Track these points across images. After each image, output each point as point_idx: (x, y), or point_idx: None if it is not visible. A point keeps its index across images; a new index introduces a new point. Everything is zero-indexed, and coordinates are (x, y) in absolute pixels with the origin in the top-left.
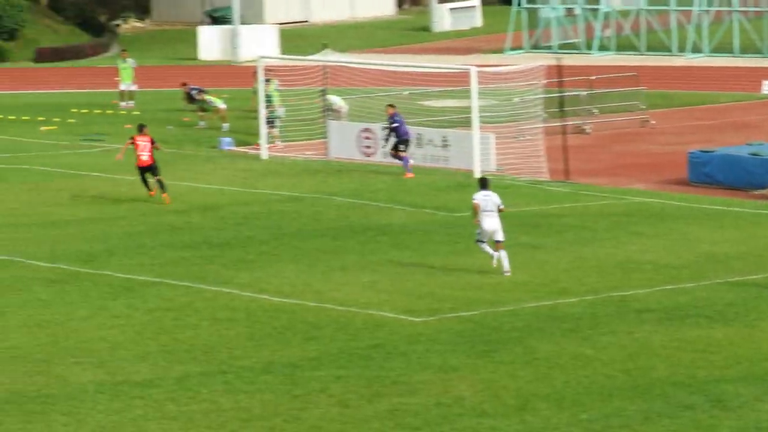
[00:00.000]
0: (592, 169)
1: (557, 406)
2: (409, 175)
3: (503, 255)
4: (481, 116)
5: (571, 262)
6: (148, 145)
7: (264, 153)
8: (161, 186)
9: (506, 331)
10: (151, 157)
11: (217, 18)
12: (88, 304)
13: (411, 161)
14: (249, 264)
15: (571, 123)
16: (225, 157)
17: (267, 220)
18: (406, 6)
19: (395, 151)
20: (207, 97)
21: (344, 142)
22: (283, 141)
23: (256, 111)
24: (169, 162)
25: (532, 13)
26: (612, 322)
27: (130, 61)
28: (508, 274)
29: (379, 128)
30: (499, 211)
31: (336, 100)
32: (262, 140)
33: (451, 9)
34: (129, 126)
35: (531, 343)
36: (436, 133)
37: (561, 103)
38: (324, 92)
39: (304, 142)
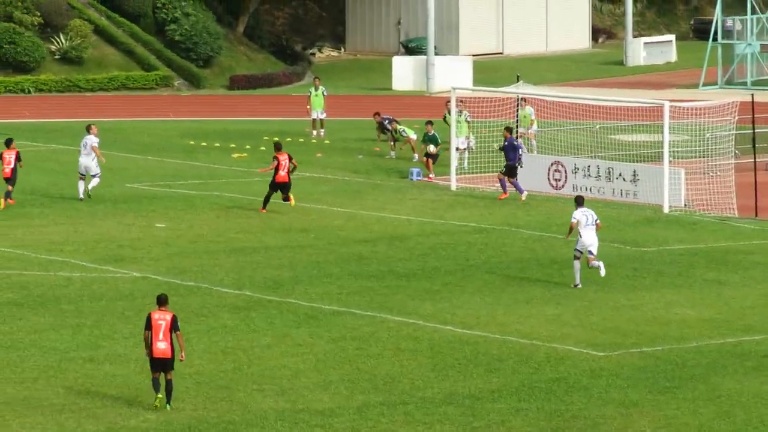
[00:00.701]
0: None
1: None
2: (523, 197)
3: (601, 264)
4: (672, 151)
5: (758, 299)
6: (287, 162)
7: (453, 184)
8: (287, 198)
9: (689, 368)
10: (288, 174)
11: (412, 48)
12: (272, 331)
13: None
14: (434, 295)
15: (762, 160)
16: (414, 188)
17: (453, 251)
18: (600, 40)
19: (503, 174)
20: (398, 126)
21: (534, 174)
22: (462, 171)
23: (446, 142)
24: (358, 191)
25: (728, 49)
26: None
27: (322, 89)
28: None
29: (569, 161)
30: (597, 226)
31: (531, 112)
32: (452, 171)
33: (646, 43)
34: (320, 154)
35: (714, 381)
36: (627, 167)
37: (753, 139)
38: (523, 101)
39: (494, 174)
